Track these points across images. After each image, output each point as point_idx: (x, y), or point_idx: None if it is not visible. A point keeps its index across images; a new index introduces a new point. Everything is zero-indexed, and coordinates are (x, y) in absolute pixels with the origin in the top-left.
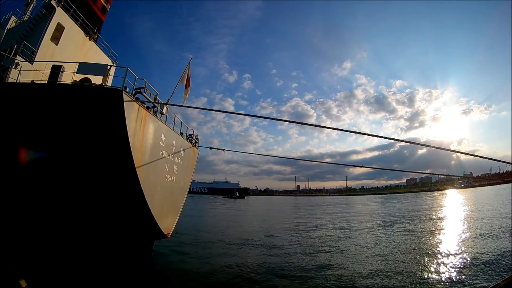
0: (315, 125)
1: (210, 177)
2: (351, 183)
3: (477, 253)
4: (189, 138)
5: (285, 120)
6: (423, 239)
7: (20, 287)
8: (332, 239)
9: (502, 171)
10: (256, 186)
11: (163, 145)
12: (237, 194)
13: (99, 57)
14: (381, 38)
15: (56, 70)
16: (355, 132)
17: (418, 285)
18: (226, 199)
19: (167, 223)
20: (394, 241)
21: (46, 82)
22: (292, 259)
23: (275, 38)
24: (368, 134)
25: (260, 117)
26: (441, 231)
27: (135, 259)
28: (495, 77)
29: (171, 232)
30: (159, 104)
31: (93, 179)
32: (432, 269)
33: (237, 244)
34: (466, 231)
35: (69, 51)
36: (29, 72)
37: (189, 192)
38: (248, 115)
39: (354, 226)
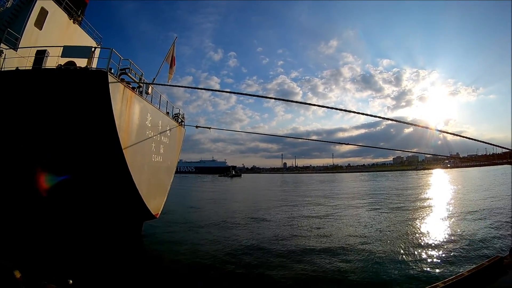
0: (302, 102)
1: (197, 156)
2: (338, 161)
3: (460, 231)
4: (175, 117)
5: (271, 98)
6: (412, 218)
7: (15, 278)
8: (324, 216)
9: (488, 153)
10: (243, 164)
11: (149, 125)
12: (234, 173)
13: (84, 39)
14: (369, 17)
15: (41, 55)
16: (342, 110)
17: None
18: (223, 178)
19: (155, 204)
20: (383, 220)
21: (31, 68)
22: (284, 239)
23: (261, 16)
24: (355, 112)
25: (246, 94)
26: (429, 210)
27: (125, 241)
28: (483, 60)
29: (159, 212)
30: (145, 84)
31: (80, 162)
32: (418, 251)
33: (232, 222)
34: (451, 210)
35: (53, 35)
36: (13, 59)
37: (176, 172)
38: (234, 93)
39: (345, 203)
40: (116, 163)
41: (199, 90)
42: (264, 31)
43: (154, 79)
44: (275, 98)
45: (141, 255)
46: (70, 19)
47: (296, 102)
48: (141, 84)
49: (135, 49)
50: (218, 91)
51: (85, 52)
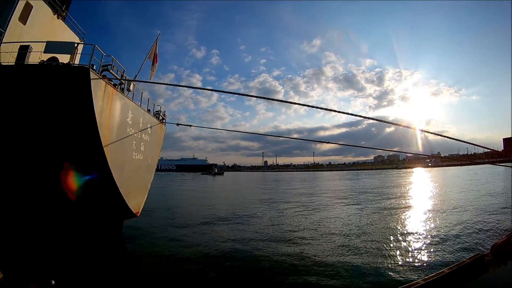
0: (284, 101)
1: (178, 154)
2: (318, 159)
3: (440, 228)
4: (156, 114)
5: (254, 96)
6: (394, 215)
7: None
8: (305, 214)
9: (470, 153)
10: (223, 162)
11: (130, 122)
12: (216, 171)
13: (67, 35)
14: (352, 17)
15: (24, 50)
16: (323, 109)
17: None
18: (205, 176)
19: (135, 202)
20: (364, 217)
21: (13, 63)
22: (264, 237)
23: (245, 14)
24: (336, 111)
25: (228, 92)
26: (410, 207)
27: (106, 240)
28: (465, 62)
29: (140, 210)
30: (126, 81)
31: (61, 159)
32: (399, 247)
33: (214, 220)
34: (431, 207)
35: (37, 30)
36: None
37: (157, 170)
38: (216, 91)
39: (326, 201)
40: (97, 161)
41: (180, 87)
42: (247, 29)
43: (136, 76)
44: (257, 97)
45: (122, 255)
46: (54, 14)
47: (279, 100)
48: (123, 81)
49: (118, 46)
50: (200, 88)
51: (68, 48)
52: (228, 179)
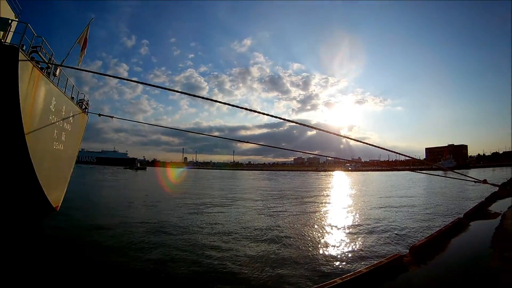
0: (209, 99)
1: (99, 146)
2: (238, 158)
3: (359, 229)
4: (79, 103)
5: (180, 91)
6: (312, 215)
7: None
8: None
9: (390, 159)
10: (143, 157)
11: (53, 110)
12: (139, 165)
13: (4, 9)
14: (286, 21)
15: None
16: (246, 109)
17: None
18: (128, 170)
19: (55, 195)
20: (281, 217)
21: None
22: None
23: (181, 7)
24: (260, 112)
25: (156, 86)
26: (328, 207)
27: (22, 235)
28: (393, 74)
29: (59, 204)
30: (53, 65)
31: None
32: (317, 247)
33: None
34: (350, 208)
35: None
36: None
37: (77, 162)
38: (142, 83)
39: (248, 200)
40: (17, 149)
41: (107, 76)
42: (180, 22)
43: (63, 60)
44: (185, 93)
45: (41, 252)
46: None
47: (207, 99)
48: (50, 65)
49: (48, 26)
50: (125, 79)
51: (2, 24)
52: (150, 175)
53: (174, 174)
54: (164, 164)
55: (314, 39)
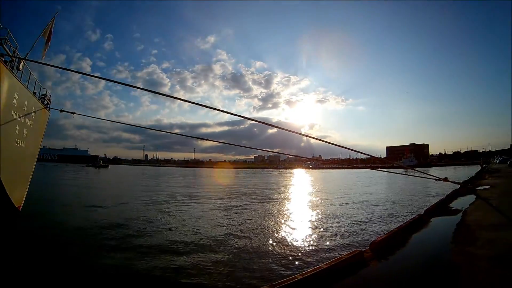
0: (172, 97)
1: (61, 143)
2: (199, 156)
3: (317, 226)
4: (42, 98)
5: (142, 89)
6: (271, 212)
7: None
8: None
9: (352, 158)
10: (105, 154)
11: (15, 105)
12: (101, 163)
13: None
14: (251, 18)
15: None
16: (208, 107)
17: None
18: (90, 168)
19: (17, 194)
20: (241, 214)
21: None
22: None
23: (146, 1)
24: (221, 110)
25: (121, 83)
26: (288, 204)
27: None
28: (355, 74)
29: (22, 204)
30: (17, 59)
31: None
32: (276, 243)
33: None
34: (310, 204)
35: None
36: None
37: (38, 159)
38: (105, 79)
39: (208, 197)
40: None
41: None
42: (146, 17)
43: (27, 54)
44: (147, 90)
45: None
46: None
47: (171, 97)
48: (14, 59)
49: (12, 17)
50: (89, 75)
51: None
52: (113, 173)
53: (136, 172)
54: (124, 161)
55: (278, 37)
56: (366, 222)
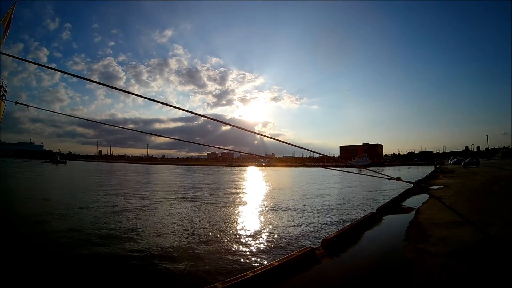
0: (130, 93)
1: (16, 137)
2: (152, 152)
3: (269, 223)
4: None
5: (98, 83)
6: (225, 210)
7: None
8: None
9: (305, 156)
10: (59, 149)
11: None
12: (59, 159)
13: None
14: (209, 14)
15: None
16: (162, 103)
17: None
18: (47, 164)
19: None
20: (196, 213)
21: None
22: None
23: None
24: (175, 107)
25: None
26: (240, 202)
27: None
28: (310, 74)
29: None
30: None
31: None
32: (229, 241)
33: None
34: (262, 202)
35: None
36: None
37: None
38: (60, 71)
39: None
40: None
41: (27, 62)
42: (105, 7)
43: None
44: (103, 84)
45: None
46: None
47: (127, 92)
48: None
49: None
50: (47, 67)
51: None
52: (71, 169)
53: (91, 167)
54: (78, 157)
55: (235, 34)
56: (317, 219)
